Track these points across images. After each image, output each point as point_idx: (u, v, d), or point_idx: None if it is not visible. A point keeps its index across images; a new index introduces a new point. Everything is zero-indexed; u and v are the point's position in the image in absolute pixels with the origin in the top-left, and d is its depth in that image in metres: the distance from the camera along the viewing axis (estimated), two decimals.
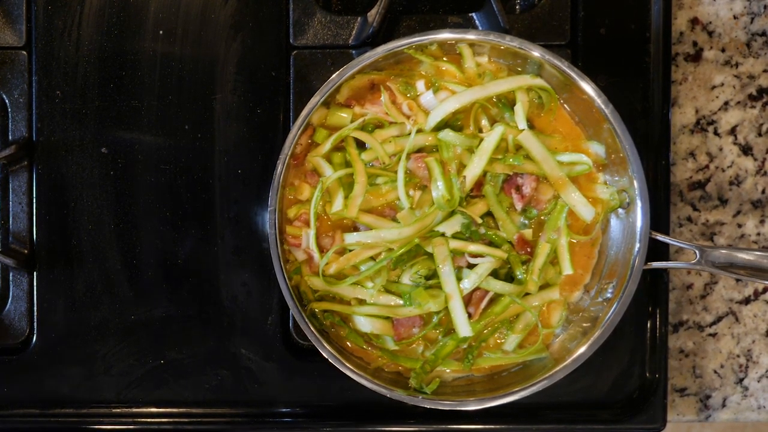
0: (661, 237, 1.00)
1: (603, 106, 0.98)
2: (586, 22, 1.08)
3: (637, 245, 0.99)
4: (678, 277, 1.13)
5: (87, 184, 1.08)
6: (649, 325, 1.08)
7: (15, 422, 1.08)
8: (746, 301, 1.13)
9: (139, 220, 1.08)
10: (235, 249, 1.08)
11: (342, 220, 1.03)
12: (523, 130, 1.00)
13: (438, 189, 0.99)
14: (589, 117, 1.02)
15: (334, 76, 0.98)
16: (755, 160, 1.13)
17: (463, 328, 1.00)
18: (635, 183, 0.98)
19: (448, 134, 1.00)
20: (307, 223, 1.01)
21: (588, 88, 0.98)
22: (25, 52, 1.08)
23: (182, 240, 1.08)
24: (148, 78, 1.08)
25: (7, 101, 1.08)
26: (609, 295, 1.01)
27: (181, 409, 1.09)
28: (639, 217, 0.99)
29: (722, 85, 1.12)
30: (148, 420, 1.08)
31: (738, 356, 1.13)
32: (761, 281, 0.99)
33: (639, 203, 0.98)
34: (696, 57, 1.12)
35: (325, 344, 0.99)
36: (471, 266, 1.01)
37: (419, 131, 1.00)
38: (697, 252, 0.99)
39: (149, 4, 1.08)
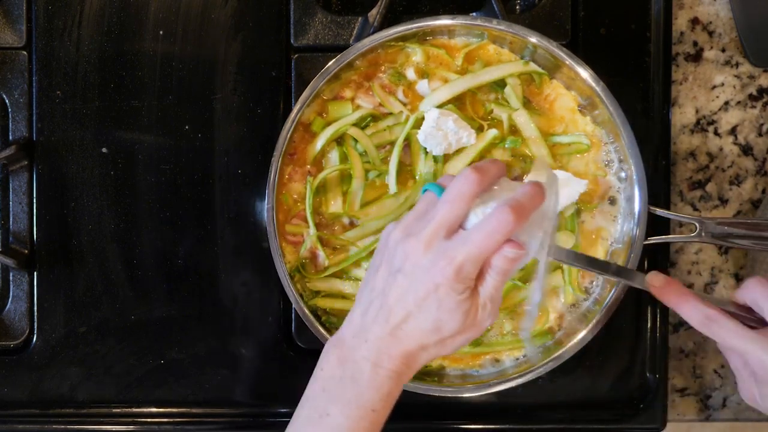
0: (660, 211, 1.01)
1: (594, 84, 1.00)
2: (586, 21, 1.08)
3: (636, 218, 1.00)
4: (678, 277, 1.13)
5: (87, 184, 1.08)
6: (649, 325, 1.08)
7: (15, 422, 1.08)
8: None
9: (139, 220, 1.08)
10: (235, 249, 1.08)
11: (340, 216, 1.03)
12: (517, 109, 1.02)
13: (423, 163, 1.00)
14: (583, 95, 1.03)
15: (323, 69, 1.00)
16: (755, 160, 1.13)
17: None
18: (630, 158, 1.00)
19: None
20: (306, 220, 1.01)
21: (574, 64, 0.99)
22: (25, 52, 1.08)
23: (182, 240, 1.08)
24: (148, 78, 1.08)
25: (7, 101, 1.08)
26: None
27: (181, 409, 1.09)
28: (636, 191, 1.00)
29: (722, 85, 1.12)
30: (148, 420, 1.08)
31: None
32: (761, 249, 1.00)
33: (635, 176, 1.00)
34: (696, 57, 1.12)
35: (328, 336, 1.00)
36: None
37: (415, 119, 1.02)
38: (697, 225, 1.00)
39: (149, 4, 1.08)
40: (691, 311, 0.89)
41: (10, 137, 1.08)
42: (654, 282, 0.93)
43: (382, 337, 0.84)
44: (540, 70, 1.03)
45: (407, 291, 0.83)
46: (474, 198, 0.83)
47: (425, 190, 0.87)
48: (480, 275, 0.83)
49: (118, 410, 1.08)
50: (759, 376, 0.88)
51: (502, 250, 0.81)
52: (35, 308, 1.08)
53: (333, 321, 1.02)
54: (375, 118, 1.03)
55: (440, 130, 0.99)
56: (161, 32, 1.08)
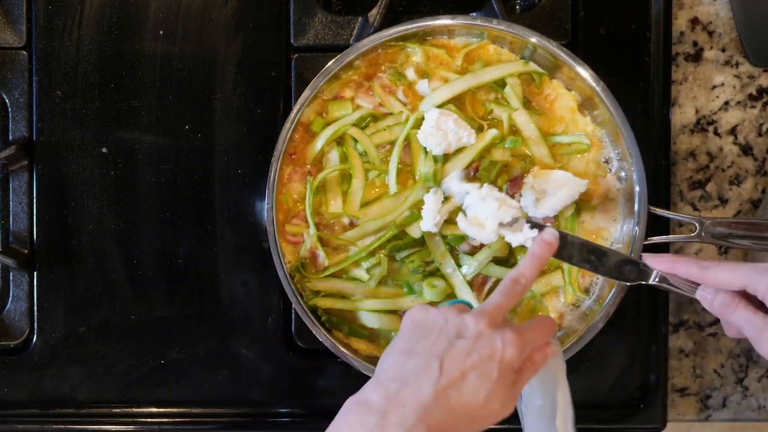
0: (660, 211, 1.01)
1: (594, 84, 1.00)
2: (586, 21, 1.08)
3: (636, 218, 1.00)
4: None
5: (87, 184, 1.08)
6: (649, 325, 1.08)
7: (15, 422, 1.08)
8: None
9: (139, 219, 1.08)
10: (235, 248, 1.08)
11: (340, 216, 1.03)
12: (517, 109, 1.02)
13: (423, 163, 1.00)
14: (583, 95, 1.03)
15: (323, 69, 1.00)
16: (755, 160, 1.13)
17: None
18: (630, 158, 1.00)
19: None
20: (306, 220, 1.01)
21: (574, 64, 1.00)
22: (25, 52, 1.08)
23: (182, 240, 1.08)
24: (148, 78, 1.08)
25: (7, 101, 1.08)
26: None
27: (181, 409, 1.09)
28: (636, 191, 1.00)
29: (722, 85, 1.12)
30: (148, 420, 1.08)
31: (738, 356, 1.13)
32: (761, 249, 1.00)
33: (635, 176, 1.00)
34: (696, 57, 1.12)
35: (328, 336, 1.00)
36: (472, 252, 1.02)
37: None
38: (697, 225, 1.00)
39: (149, 4, 1.08)
40: (687, 266, 0.91)
41: (10, 137, 1.08)
42: (646, 257, 0.95)
43: (423, 401, 0.78)
44: (540, 70, 1.03)
45: (468, 353, 0.80)
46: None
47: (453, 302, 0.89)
48: (520, 370, 0.83)
49: (118, 410, 1.08)
50: None
51: (546, 347, 0.86)
52: (35, 308, 1.08)
53: (333, 321, 1.02)
54: (375, 118, 1.03)
55: (440, 130, 0.99)
56: (161, 32, 1.08)
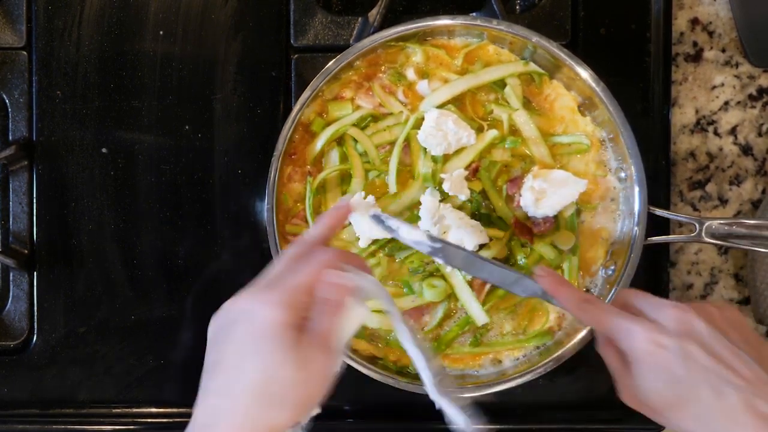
0: (660, 211, 1.02)
1: (594, 84, 1.00)
2: (586, 22, 1.08)
3: (636, 218, 1.00)
4: (678, 277, 1.13)
5: (87, 184, 1.08)
6: None
7: (15, 422, 1.08)
8: (746, 301, 1.13)
9: (139, 220, 1.08)
10: (235, 249, 1.08)
11: None
12: (517, 109, 1.02)
13: (422, 163, 1.00)
14: (583, 95, 1.03)
15: (323, 69, 1.00)
16: (755, 160, 1.13)
17: (480, 316, 1.00)
18: (630, 158, 1.00)
19: None
20: (306, 220, 1.02)
21: (574, 64, 1.00)
22: (25, 52, 1.08)
23: (182, 240, 1.08)
24: (148, 78, 1.08)
25: (7, 101, 1.08)
26: (611, 272, 1.02)
27: (181, 409, 1.08)
28: (636, 191, 1.00)
29: (722, 85, 1.12)
30: (148, 420, 1.08)
31: None
32: (760, 249, 1.00)
33: (635, 176, 1.00)
34: (696, 57, 1.12)
35: None
36: None
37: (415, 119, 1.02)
38: (697, 225, 1.00)
39: (149, 4, 1.08)
40: (569, 295, 0.89)
41: (10, 137, 1.08)
42: (539, 272, 0.91)
43: (217, 411, 0.76)
44: (540, 70, 1.03)
45: (229, 334, 0.81)
46: None
47: None
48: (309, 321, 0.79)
49: (118, 410, 1.08)
50: (631, 355, 0.84)
51: (336, 280, 0.80)
52: (35, 308, 1.08)
53: None
54: (375, 118, 1.03)
55: (440, 130, 0.99)
56: (161, 32, 1.08)
